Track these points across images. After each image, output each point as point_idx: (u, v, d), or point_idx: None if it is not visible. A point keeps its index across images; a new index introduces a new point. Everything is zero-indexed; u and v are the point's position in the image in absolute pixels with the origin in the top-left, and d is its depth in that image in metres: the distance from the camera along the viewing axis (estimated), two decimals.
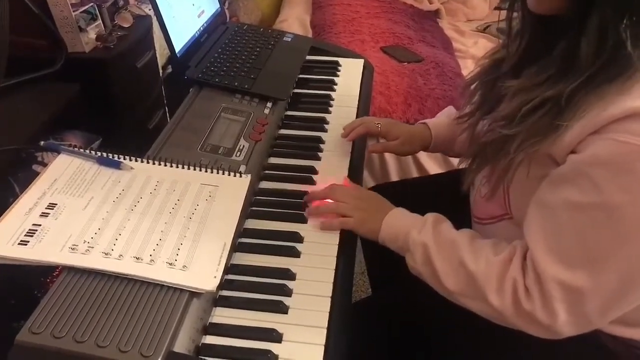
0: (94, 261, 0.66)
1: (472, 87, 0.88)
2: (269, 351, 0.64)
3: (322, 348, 0.65)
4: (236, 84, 1.07)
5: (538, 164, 0.67)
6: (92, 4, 1.33)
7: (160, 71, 1.67)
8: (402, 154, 1.08)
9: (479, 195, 0.83)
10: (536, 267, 0.65)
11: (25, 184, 0.79)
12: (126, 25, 1.43)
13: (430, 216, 0.80)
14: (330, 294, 0.72)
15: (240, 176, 0.84)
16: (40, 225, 0.71)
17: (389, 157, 1.67)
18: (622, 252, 0.60)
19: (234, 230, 0.75)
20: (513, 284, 0.67)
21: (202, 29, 1.18)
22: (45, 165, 0.93)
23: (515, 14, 0.78)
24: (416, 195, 1.01)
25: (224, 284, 0.72)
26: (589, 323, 0.66)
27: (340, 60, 1.32)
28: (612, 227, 0.60)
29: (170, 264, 0.68)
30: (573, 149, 0.63)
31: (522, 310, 0.67)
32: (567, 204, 0.63)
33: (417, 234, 0.77)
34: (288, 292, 0.72)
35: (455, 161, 1.49)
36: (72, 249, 0.68)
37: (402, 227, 0.80)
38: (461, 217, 0.85)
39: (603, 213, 0.60)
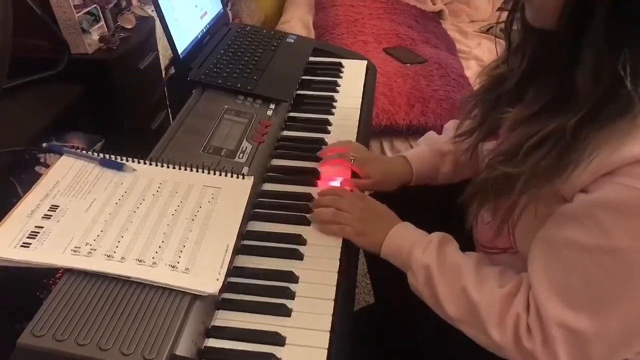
0: (96, 263, 0.66)
1: (472, 103, 0.84)
2: (272, 354, 0.63)
3: (325, 352, 0.65)
4: (239, 85, 1.07)
5: (546, 202, 0.65)
6: (95, 5, 1.33)
7: (163, 72, 1.67)
8: (378, 191, 0.97)
9: (481, 222, 0.81)
10: (538, 306, 0.64)
11: (28, 185, 0.79)
12: (129, 27, 1.43)
13: (436, 236, 0.77)
14: (333, 297, 0.72)
15: (243, 178, 0.84)
16: (42, 227, 0.70)
17: None
18: (627, 297, 0.59)
19: (236, 233, 0.74)
20: (515, 319, 0.66)
21: (205, 30, 1.18)
22: (47, 166, 0.93)
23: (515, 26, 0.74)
24: (417, 200, 0.99)
25: (226, 287, 0.71)
26: None
27: (343, 61, 1.31)
28: (618, 272, 0.58)
29: (173, 267, 0.67)
30: (584, 188, 0.60)
31: (523, 348, 0.65)
32: (572, 244, 0.61)
33: (421, 254, 0.75)
34: (291, 295, 0.71)
35: None
36: (75, 251, 0.67)
37: (405, 243, 0.78)
38: (463, 226, 0.83)
39: (609, 257, 0.59)
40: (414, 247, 0.76)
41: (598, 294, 0.60)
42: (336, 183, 0.91)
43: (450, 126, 1.02)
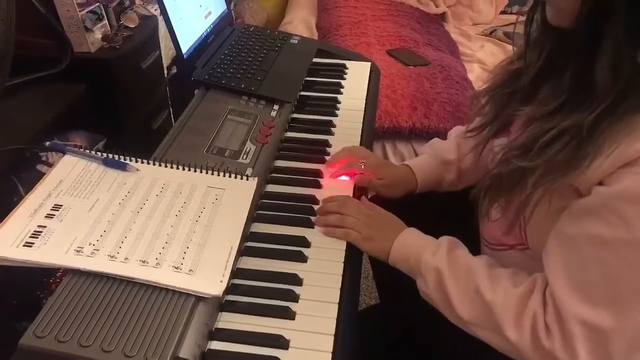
0: (99, 264, 0.65)
1: (484, 99, 0.83)
2: (276, 357, 0.63)
3: (330, 355, 0.64)
4: (243, 85, 1.06)
5: (560, 195, 0.64)
6: (98, 3, 1.32)
7: (165, 72, 1.67)
8: (385, 196, 0.98)
9: (489, 220, 0.80)
10: (557, 303, 0.62)
11: (29, 184, 0.78)
12: (132, 26, 1.43)
13: (445, 240, 0.77)
14: (337, 300, 0.71)
15: (247, 179, 0.83)
16: (45, 226, 0.70)
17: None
18: None
19: (240, 234, 0.74)
20: (533, 318, 0.64)
21: (209, 30, 1.17)
22: (49, 165, 0.92)
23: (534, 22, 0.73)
24: (422, 204, 0.98)
25: (230, 289, 0.71)
26: None
27: (347, 63, 1.31)
28: None
29: (177, 268, 0.67)
30: (601, 181, 0.59)
31: (541, 347, 0.64)
32: (592, 239, 0.60)
33: (431, 258, 0.74)
34: (295, 298, 0.71)
35: None
36: (78, 251, 0.67)
37: (414, 248, 0.77)
38: (469, 229, 0.83)
39: (632, 251, 0.57)
40: (423, 252, 0.76)
41: (619, 288, 0.59)
42: (345, 178, 0.93)
43: (453, 133, 1.02)
